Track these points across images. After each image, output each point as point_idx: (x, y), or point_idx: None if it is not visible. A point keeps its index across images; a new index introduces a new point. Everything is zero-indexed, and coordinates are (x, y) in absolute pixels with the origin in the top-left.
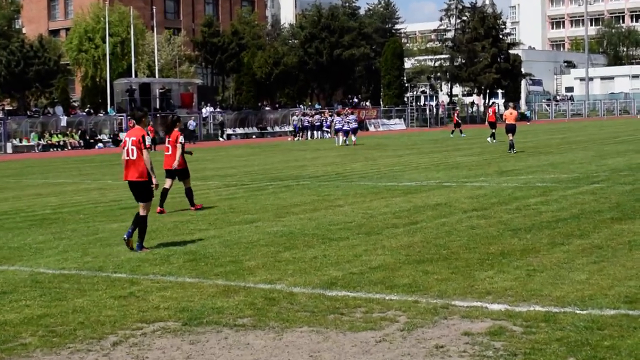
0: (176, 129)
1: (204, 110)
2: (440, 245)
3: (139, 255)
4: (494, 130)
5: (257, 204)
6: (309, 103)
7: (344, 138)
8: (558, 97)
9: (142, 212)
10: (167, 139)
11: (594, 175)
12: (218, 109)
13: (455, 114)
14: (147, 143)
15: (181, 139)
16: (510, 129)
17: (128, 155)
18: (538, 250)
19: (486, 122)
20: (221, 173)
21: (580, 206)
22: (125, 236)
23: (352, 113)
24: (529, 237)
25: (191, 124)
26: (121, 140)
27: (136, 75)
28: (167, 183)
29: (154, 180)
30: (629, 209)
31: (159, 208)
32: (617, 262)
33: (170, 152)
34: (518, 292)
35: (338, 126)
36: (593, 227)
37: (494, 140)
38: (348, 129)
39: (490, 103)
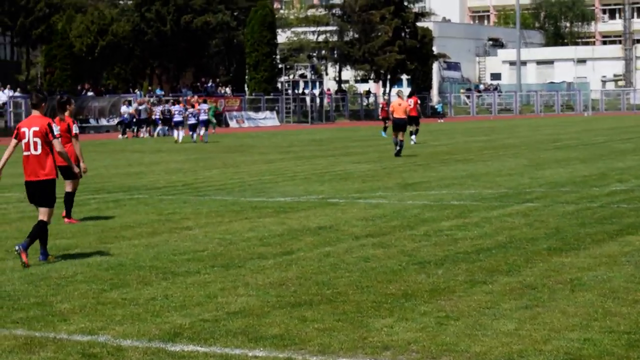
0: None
1: (0, 94)
2: (322, 283)
3: None
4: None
5: (74, 224)
6: (148, 88)
7: (192, 132)
8: (481, 87)
9: (45, 218)
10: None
11: (526, 191)
12: (19, 93)
13: (382, 105)
14: (55, 132)
15: (75, 128)
16: (400, 125)
17: (29, 149)
18: (452, 291)
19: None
20: (22, 181)
21: (508, 232)
22: (18, 247)
23: (204, 102)
24: (441, 273)
25: None
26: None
27: None
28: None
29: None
30: (572, 236)
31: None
32: (555, 307)
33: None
34: (425, 347)
35: (178, 118)
36: (525, 261)
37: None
38: (195, 121)
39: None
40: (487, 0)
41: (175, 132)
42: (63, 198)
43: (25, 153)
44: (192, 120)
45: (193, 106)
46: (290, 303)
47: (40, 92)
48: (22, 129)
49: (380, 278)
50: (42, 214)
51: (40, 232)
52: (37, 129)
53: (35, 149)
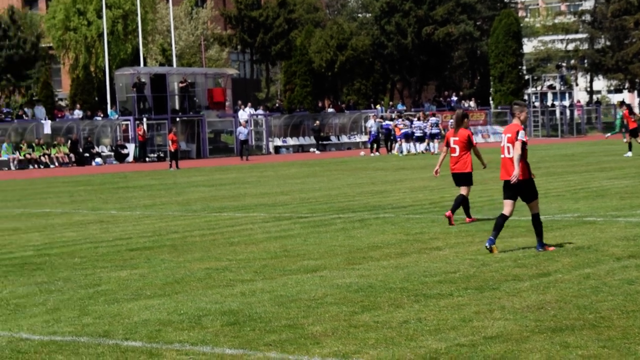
0: (463, 127)
1: (240, 113)
2: (584, 306)
3: (159, 316)
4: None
5: (321, 244)
6: (389, 103)
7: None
8: None
9: (536, 210)
10: (451, 139)
11: None
12: (260, 111)
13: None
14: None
15: (474, 139)
16: None
17: (503, 153)
18: None
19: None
20: (268, 201)
21: None
22: (487, 244)
23: (433, 115)
24: None
25: (241, 132)
26: (126, 155)
27: (145, 64)
28: (463, 190)
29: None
30: None
31: (467, 218)
32: None
33: (457, 154)
34: None
35: (405, 130)
36: None
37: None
38: (421, 134)
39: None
40: None
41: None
42: (455, 198)
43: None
44: (418, 133)
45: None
46: (551, 328)
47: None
48: (451, 138)
49: None
50: (532, 207)
51: (537, 224)
52: (509, 135)
53: (508, 153)
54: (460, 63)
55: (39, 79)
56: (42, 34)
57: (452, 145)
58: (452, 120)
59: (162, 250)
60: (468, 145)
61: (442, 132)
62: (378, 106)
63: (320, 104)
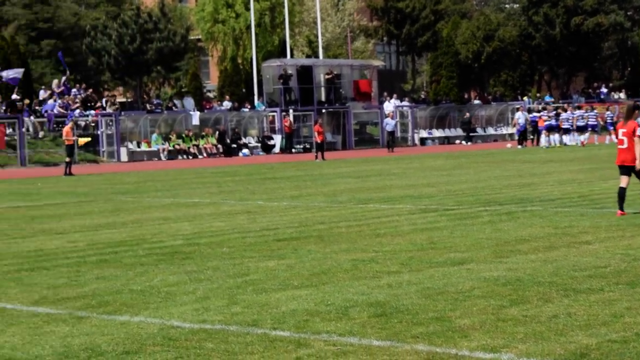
0: (632, 119)
1: (386, 105)
2: None
3: (306, 306)
4: None
5: (468, 237)
6: (537, 94)
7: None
8: None
9: None
10: (620, 130)
11: None
12: (406, 102)
13: None
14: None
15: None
16: None
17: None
18: None
19: None
20: (414, 193)
21: None
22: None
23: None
24: None
25: (388, 123)
26: (273, 146)
27: (292, 55)
28: (623, 181)
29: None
30: None
31: (619, 212)
32: None
33: (625, 146)
34: None
35: (549, 122)
36: None
37: None
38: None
39: None
40: None
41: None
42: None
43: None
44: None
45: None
46: None
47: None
48: (620, 130)
49: None
50: None
51: None
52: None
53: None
54: (610, 54)
55: (188, 71)
56: (191, 26)
57: (620, 136)
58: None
59: (308, 240)
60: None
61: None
62: (525, 98)
63: (466, 96)
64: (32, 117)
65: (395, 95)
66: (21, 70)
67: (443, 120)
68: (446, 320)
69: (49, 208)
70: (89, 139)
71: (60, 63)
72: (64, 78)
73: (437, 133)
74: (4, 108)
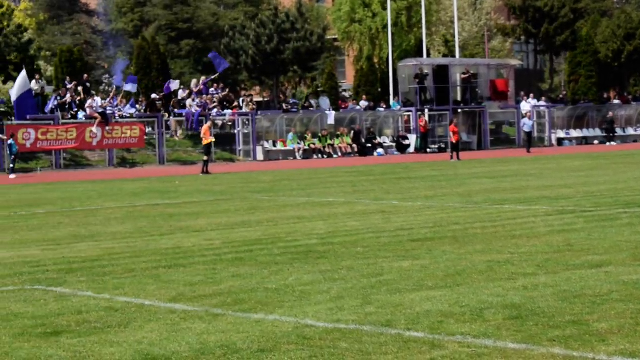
0: None
1: (523, 104)
2: None
3: (440, 307)
4: None
5: (606, 239)
6: None
7: None
8: None
9: None
10: None
11: None
12: (543, 103)
13: None
14: None
15: None
16: None
17: None
18: None
19: None
20: (551, 194)
21: None
22: None
23: None
24: None
25: (526, 123)
26: (408, 146)
27: (429, 55)
28: None
29: None
30: None
31: None
32: None
33: None
34: None
35: None
36: None
37: None
38: None
39: None
40: None
41: None
42: None
43: None
44: None
45: None
46: None
47: None
48: None
49: None
50: None
51: None
52: None
53: None
54: None
55: (324, 71)
56: (328, 26)
57: None
58: None
59: (443, 241)
60: None
61: None
62: None
63: (605, 95)
64: (170, 117)
65: (532, 95)
66: (177, 82)
67: (581, 120)
68: (583, 323)
69: (187, 206)
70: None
71: (212, 64)
72: (203, 78)
73: (575, 133)
74: (144, 107)
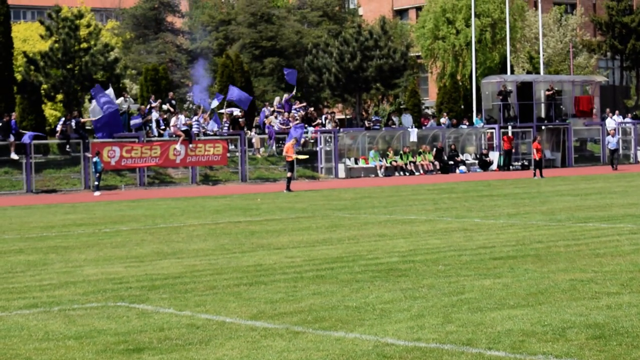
0: None
1: (608, 121)
2: None
3: (522, 326)
4: None
5: None
6: None
7: None
8: None
9: None
10: None
11: None
12: (629, 119)
13: None
14: None
15: None
16: None
17: None
18: None
19: None
20: (636, 212)
21: None
22: None
23: None
24: None
25: (610, 141)
26: (490, 163)
27: (513, 72)
28: None
29: None
30: None
31: None
32: None
33: None
34: None
35: None
36: None
37: None
38: None
39: None
40: None
41: None
42: None
43: None
44: None
45: None
46: None
47: None
48: None
49: None
50: None
51: None
52: None
53: None
54: None
55: (407, 88)
56: (411, 43)
57: None
58: None
59: (525, 259)
60: None
61: None
62: None
63: None
64: (254, 133)
65: (617, 112)
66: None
67: None
68: None
69: (268, 224)
70: (307, 156)
71: (287, 81)
72: (286, 95)
73: None
74: (227, 125)
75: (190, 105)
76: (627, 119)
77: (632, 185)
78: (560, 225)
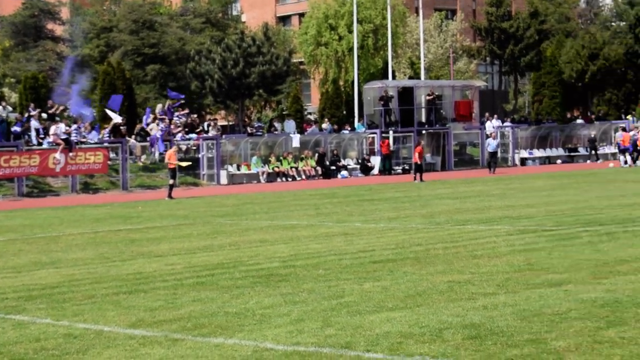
0: None
1: (487, 125)
2: None
3: (400, 328)
4: None
5: (566, 258)
6: None
7: None
8: None
9: None
10: None
11: None
12: (507, 123)
13: None
14: None
15: None
16: None
17: None
18: None
19: None
20: (513, 213)
21: None
22: None
23: None
24: None
25: (490, 144)
26: (372, 168)
27: (394, 77)
28: None
29: None
30: None
31: None
32: None
33: None
34: None
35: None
36: None
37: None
38: None
39: None
40: None
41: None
42: None
43: None
44: None
45: None
46: None
47: None
48: None
49: None
50: None
51: None
52: None
53: None
54: None
55: (290, 94)
56: (294, 49)
57: None
58: None
59: (404, 262)
60: None
61: None
62: (629, 117)
63: (569, 116)
64: (134, 141)
65: (496, 116)
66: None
67: (544, 140)
68: (541, 342)
69: (149, 231)
70: (190, 163)
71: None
72: (167, 103)
73: (538, 153)
74: (107, 133)
75: (71, 114)
76: (506, 123)
77: (509, 187)
78: (439, 228)
